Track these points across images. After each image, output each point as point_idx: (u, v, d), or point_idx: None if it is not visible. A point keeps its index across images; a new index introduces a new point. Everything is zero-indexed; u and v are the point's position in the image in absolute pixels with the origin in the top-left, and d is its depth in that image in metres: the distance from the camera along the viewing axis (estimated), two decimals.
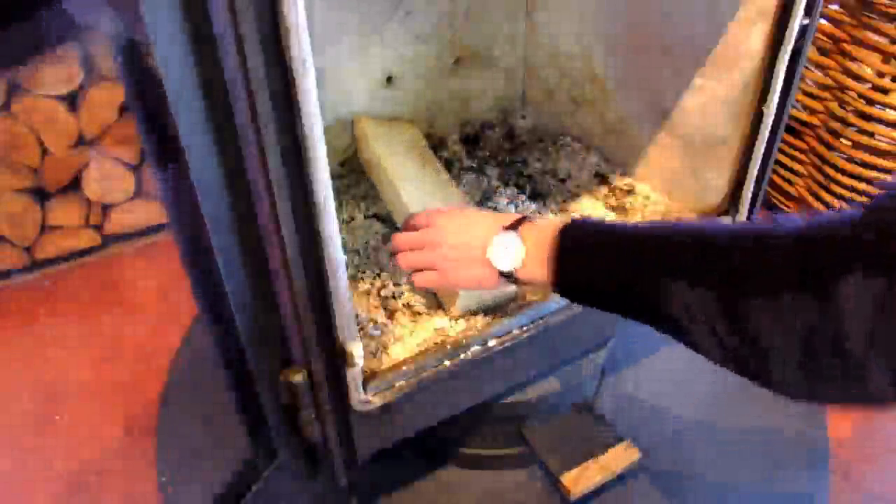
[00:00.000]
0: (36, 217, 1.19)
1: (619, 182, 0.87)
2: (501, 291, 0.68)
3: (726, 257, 0.44)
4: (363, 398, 0.59)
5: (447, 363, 0.63)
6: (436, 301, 0.71)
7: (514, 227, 0.58)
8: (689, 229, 0.47)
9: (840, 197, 1.15)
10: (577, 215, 0.74)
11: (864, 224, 0.38)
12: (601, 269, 0.51)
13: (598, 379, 0.93)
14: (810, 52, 1.12)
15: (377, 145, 0.83)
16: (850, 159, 1.11)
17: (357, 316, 0.67)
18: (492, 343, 0.65)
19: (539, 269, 0.56)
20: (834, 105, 1.10)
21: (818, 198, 1.18)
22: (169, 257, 1.27)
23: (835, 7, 1.08)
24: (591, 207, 0.84)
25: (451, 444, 0.86)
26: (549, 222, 0.57)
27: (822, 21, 1.09)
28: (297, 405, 0.56)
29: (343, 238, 0.68)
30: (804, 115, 1.16)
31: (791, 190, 1.24)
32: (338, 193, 0.85)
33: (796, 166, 1.21)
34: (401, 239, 0.66)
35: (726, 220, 0.77)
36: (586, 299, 0.54)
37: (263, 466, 0.59)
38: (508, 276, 0.58)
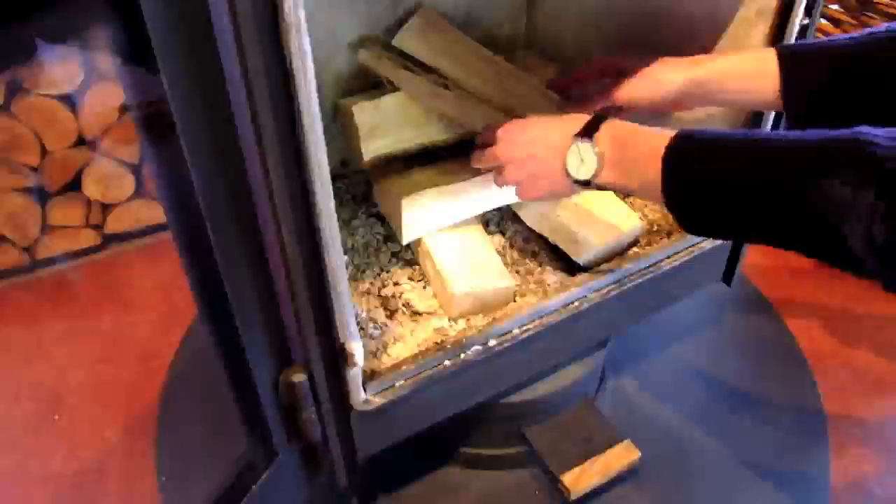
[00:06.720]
0: (36, 217, 1.19)
1: None
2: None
3: (882, 160, 0.41)
4: (363, 398, 0.59)
5: (447, 363, 0.63)
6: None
7: (588, 132, 0.57)
8: (829, 134, 0.45)
9: None
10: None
11: None
12: (730, 168, 0.48)
13: (598, 379, 0.93)
14: None
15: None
16: None
17: (357, 316, 0.67)
18: (492, 343, 0.65)
19: (615, 175, 0.56)
20: None
21: None
22: (169, 257, 1.26)
23: (835, 7, 1.08)
24: None
25: (451, 444, 0.86)
26: (631, 125, 0.56)
27: (822, 21, 1.09)
28: (297, 405, 0.56)
29: (343, 238, 0.68)
30: None
31: None
32: (338, 193, 0.85)
33: None
34: (478, 157, 0.68)
35: None
36: (704, 206, 0.50)
37: (263, 466, 0.59)
38: (586, 184, 0.58)
